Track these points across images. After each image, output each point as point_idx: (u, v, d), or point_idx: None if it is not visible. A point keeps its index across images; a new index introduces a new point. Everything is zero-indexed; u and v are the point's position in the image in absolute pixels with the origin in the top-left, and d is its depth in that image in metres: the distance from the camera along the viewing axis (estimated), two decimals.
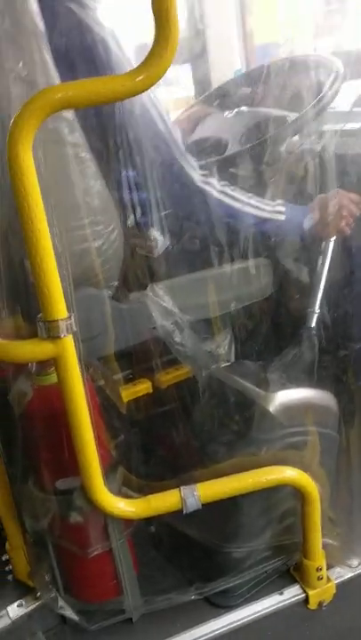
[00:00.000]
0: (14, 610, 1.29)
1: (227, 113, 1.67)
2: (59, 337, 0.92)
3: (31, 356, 0.97)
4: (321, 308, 1.24)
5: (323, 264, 1.31)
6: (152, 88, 0.89)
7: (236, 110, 1.65)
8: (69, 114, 1.01)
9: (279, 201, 1.30)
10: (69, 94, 0.81)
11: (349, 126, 1.52)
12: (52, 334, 0.92)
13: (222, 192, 1.24)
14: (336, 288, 1.23)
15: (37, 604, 1.29)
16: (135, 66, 0.81)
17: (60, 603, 1.25)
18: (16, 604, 1.30)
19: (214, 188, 1.22)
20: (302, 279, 1.33)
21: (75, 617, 1.24)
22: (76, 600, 1.25)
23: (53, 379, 1.04)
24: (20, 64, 0.94)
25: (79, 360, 0.97)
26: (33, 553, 1.29)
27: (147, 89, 0.81)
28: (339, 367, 1.21)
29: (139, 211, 1.21)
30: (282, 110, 1.52)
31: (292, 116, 1.45)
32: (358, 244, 1.23)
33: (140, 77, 0.79)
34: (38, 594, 1.30)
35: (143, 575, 1.26)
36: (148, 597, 1.26)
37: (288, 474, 1.16)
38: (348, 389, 1.21)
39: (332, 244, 1.30)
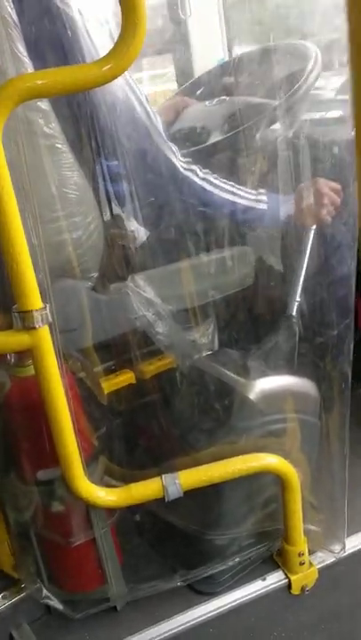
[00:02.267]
0: None
1: (208, 102, 1.67)
2: (34, 327, 0.92)
3: (6, 346, 0.97)
4: (300, 295, 1.25)
5: (303, 252, 1.31)
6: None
7: (217, 99, 1.65)
8: (45, 104, 1.01)
9: (261, 190, 1.30)
10: (38, 83, 0.81)
11: (332, 114, 1.53)
12: (27, 325, 0.92)
13: (204, 179, 1.24)
14: (312, 275, 1.24)
15: (22, 595, 1.30)
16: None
17: (45, 593, 1.25)
18: (0, 595, 1.30)
19: (196, 175, 1.22)
20: (282, 268, 1.34)
21: (60, 606, 1.25)
22: (61, 590, 1.26)
23: (32, 370, 1.03)
24: None
25: (57, 351, 0.97)
26: (17, 545, 1.30)
27: (115, 78, 0.81)
28: (317, 354, 1.22)
29: (118, 201, 1.21)
30: (263, 99, 1.52)
31: (274, 103, 1.45)
32: (333, 231, 1.23)
33: (108, 66, 0.79)
34: (23, 585, 1.30)
35: (127, 563, 1.27)
36: (133, 585, 1.26)
37: (268, 461, 1.17)
38: (327, 376, 1.22)
39: (312, 233, 1.30)
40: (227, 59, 2.12)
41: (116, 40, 0.80)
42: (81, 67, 0.83)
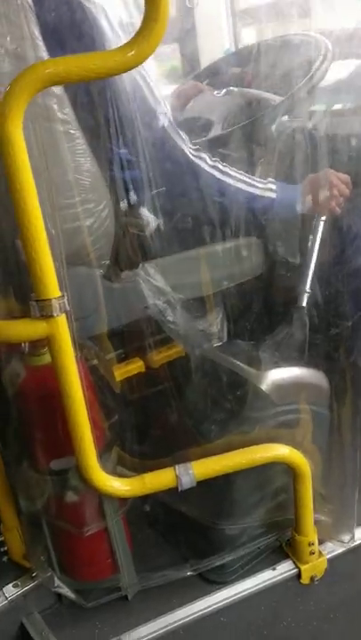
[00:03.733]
0: (10, 590, 1.30)
1: (216, 92, 1.66)
2: (52, 316, 0.92)
3: (24, 335, 0.96)
4: (312, 286, 1.25)
5: (313, 243, 1.31)
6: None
7: (225, 90, 1.64)
8: (59, 90, 1.00)
9: (270, 179, 1.29)
10: (60, 69, 0.80)
11: (339, 106, 1.52)
12: (45, 313, 0.92)
13: (214, 167, 1.23)
14: (327, 267, 1.24)
15: (33, 584, 1.30)
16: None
17: (57, 582, 1.25)
18: (12, 584, 1.30)
19: (206, 162, 1.22)
20: (293, 258, 1.33)
21: (71, 595, 1.25)
22: (72, 579, 1.26)
23: (46, 359, 1.03)
24: (8, 38, 0.93)
25: (72, 339, 0.97)
26: (28, 534, 1.30)
27: (138, 64, 0.80)
28: (330, 345, 1.22)
29: (130, 188, 1.20)
30: (269, 94, 1.52)
31: (278, 99, 1.45)
32: (348, 222, 1.23)
33: (132, 52, 0.78)
34: (34, 574, 1.31)
35: (138, 553, 1.28)
36: (144, 574, 1.27)
37: (280, 451, 1.17)
38: (339, 367, 1.22)
39: (322, 224, 1.30)
40: (233, 49, 2.11)
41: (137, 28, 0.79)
42: (104, 53, 0.82)
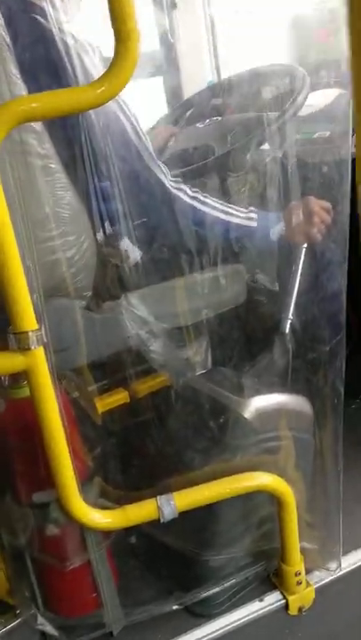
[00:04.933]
0: None
1: (199, 124, 1.69)
2: (29, 349, 0.92)
3: (2, 368, 0.96)
4: (293, 312, 1.26)
5: (295, 270, 1.32)
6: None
7: (208, 120, 1.67)
8: (38, 125, 1.02)
9: (252, 208, 1.31)
10: (33, 106, 0.81)
11: (318, 134, 1.55)
12: (23, 346, 0.91)
13: (194, 198, 1.25)
14: (304, 292, 1.25)
15: (17, 621, 1.28)
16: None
17: (40, 619, 1.23)
18: None
19: (186, 194, 1.23)
20: (274, 286, 1.34)
21: (55, 633, 1.22)
22: (56, 615, 1.24)
23: (26, 391, 1.03)
24: None
25: (51, 372, 0.97)
26: (12, 569, 1.28)
27: (108, 100, 0.82)
28: (310, 370, 1.22)
29: (111, 220, 1.22)
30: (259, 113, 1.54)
31: (270, 115, 1.47)
32: (323, 248, 1.24)
33: (102, 89, 0.80)
34: (18, 611, 1.28)
35: (123, 587, 1.26)
36: (129, 609, 1.25)
37: (264, 479, 1.16)
38: (320, 392, 1.22)
39: (304, 251, 1.32)
40: (216, 81, 2.16)
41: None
42: (75, 89, 0.84)
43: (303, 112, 1.41)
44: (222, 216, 1.27)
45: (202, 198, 1.25)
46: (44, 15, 1.04)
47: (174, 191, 1.22)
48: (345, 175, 1.08)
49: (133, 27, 0.78)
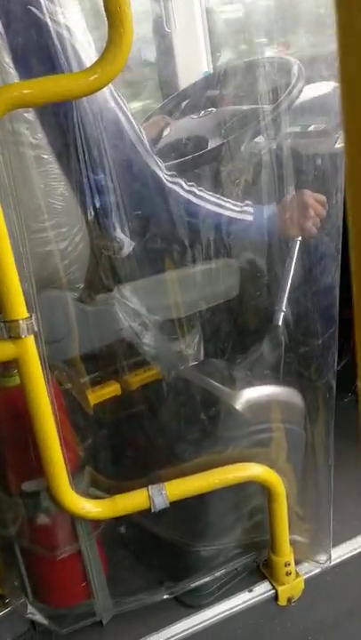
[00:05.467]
0: None
1: (194, 115, 1.68)
2: (19, 337, 0.91)
3: None
4: (286, 305, 1.25)
5: (289, 263, 1.32)
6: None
7: (203, 112, 1.67)
8: (31, 115, 1.01)
9: (247, 201, 1.31)
10: (25, 92, 0.81)
11: (314, 127, 1.55)
12: (13, 334, 0.91)
13: (190, 192, 1.24)
14: (297, 286, 1.25)
15: (6, 610, 1.28)
16: None
17: (29, 608, 1.23)
18: None
19: (182, 187, 1.23)
20: (268, 278, 1.34)
21: (44, 621, 1.23)
22: (46, 605, 1.24)
23: (16, 380, 1.03)
24: None
25: (42, 361, 0.97)
26: (1, 559, 1.28)
27: (102, 87, 0.81)
28: (301, 364, 1.23)
29: (104, 212, 1.21)
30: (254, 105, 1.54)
31: (266, 108, 1.46)
32: (316, 241, 1.24)
33: (95, 76, 0.79)
34: (7, 600, 1.28)
35: (113, 576, 1.26)
36: (118, 599, 1.25)
37: (254, 471, 1.17)
38: (312, 385, 1.22)
39: (298, 244, 1.31)
40: (211, 72, 2.15)
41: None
42: (68, 76, 0.83)
43: (299, 104, 1.40)
44: (218, 210, 1.27)
45: (197, 192, 1.25)
46: (39, 5, 1.03)
47: (170, 185, 1.21)
48: (340, 168, 1.08)
49: (127, 13, 0.78)
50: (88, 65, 1.04)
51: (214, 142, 1.50)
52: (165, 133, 1.69)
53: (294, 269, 1.25)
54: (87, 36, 1.04)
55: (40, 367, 0.96)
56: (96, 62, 0.80)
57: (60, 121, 1.02)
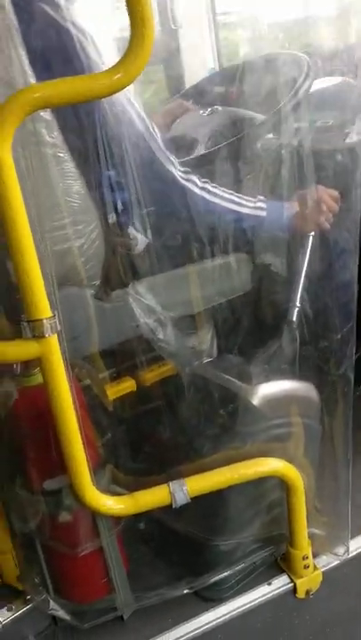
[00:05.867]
0: (4, 614, 1.28)
1: (202, 111, 1.69)
2: (43, 336, 0.92)
3: (16, 356, 0.96)
4: (301, 301, 1.26)
5: (303, 258, 1.32)
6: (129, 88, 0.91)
7: (210, 109, 1.67)
8: (48, 114, 1.01)
9: (260, 197, 1.31)
10: (48, 93, 0.81)
11: (327, 122, 1.55)
12: (37, 334, 0.92)
13: (204, 189, 1.24)
14: (316, 280, 1.25)
15: (27, 607, 1.29)
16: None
17: (51, 604, 1.24)
18: (5, 608, 1.29)
19: (196, 184, 1.23)
20: (282, 274, 1.35)
21: (66, 617, 1.24)
22: (68, 601, 1.25)
23: (38, 379, 1.03)
24: None
25: (64, 359, 0.97)
26: (22, 556, 1.29)
27: (125, 86, 0.82)
28: (320, 358, 1.23)
29: (119, 209, 1.21)
30: (253, 112, 1.55)
31: (261, 118, 1.47)
32: (335, 236, 1.25)
33: (118, 75, 0.80)
34: (28, 597, 1.29)
35: (133, 572, 1.27)
36: (139, 594, 1.26)
37: (273, 465, 1.18)
38: (330, 379, 1.23)
39: (311, 239, 1.32)
40: (217, 69, 2.15)
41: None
42: (90, 76, 0.84)
43: (311, 99, 1.40)
44: (231, 206, 1.27)
45: (211, 188, 1.25)
46: (52, 4, 1.03)
47: (183, 182, 1.21)
48: (358, 163, 1.08)
49: (149, 12, 0.78)
50: (100, 63, 1.06)
51: (223, 139, 1.50)
52: (177, 122, 1.68)
53: (312, 264, 1.25)
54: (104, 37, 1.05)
55: (63, 366, 0.97)
56: (119, 61, 0.80)
57: (81, 120, 1.02)
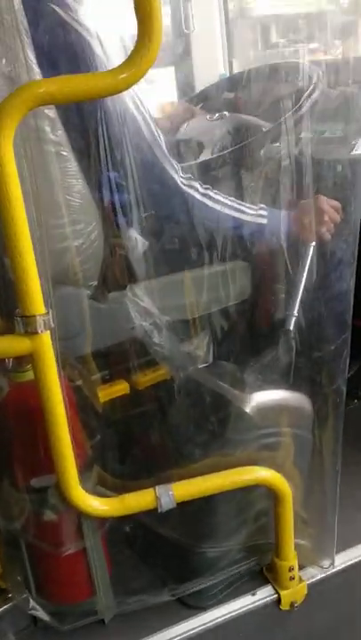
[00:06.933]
0: None
1: (209, 116, 1.69)
2: (36, 332, 0.91)
3: (8, 351, 0.96)
4: (298, 310, 1.26)
5: (302, 268, 1.32)
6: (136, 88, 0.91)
7: (218, 114, 1.67)
8: (51, 112, 1.01)
9: (262, 205, 1.31)
10: (52, 89, 0.81)
11: (328, 133, 1.55)
12: (30, 330, 0.91)
13: (205, 195, 1.24)
14: (312, 291, 1.25)
15: (8, 605, 1.28)
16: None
17: (32, 604, 1.23)
18: None
19: (197, 190, 1.23)
20: (281, 282, 1.34)
21: (46, 617, 1.23)
22: (48, 601, 1.24)
23: (30, 375, 1.03)
24: (4, 60, 0.94)
25: (56, 357, 0.97)
26: (5, 554, 1.28)
27: (129, 87, 0.81)
28: (314, 368, 1.23)
29: (119, 210, 1.21)
30: (260, 120, 1.55)
31: (268, 126, 1.47)
32: (333, 247, 1.24)
33: (124, 75, 0.79)
34: (9, 595, 1.28)
35: (116, 575, 1.26)
36: (121, 598, 1.25)
37: (262, 474, 1.17)
38: (322, 391, 1.23)
39: (312, 249, 1.31)
40: (228, 74, 2.15)
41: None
42: (96, 74, 0.84)
43: (317, 110, 1.40)
44: (233, 213, 1.27)
45: (212, 195, 1.25)
46: (61, 3, 1.03)
47: (185, 188, 1.21)
48: (358, 174, 1.08)
49: (157, 12, 0.78)
50: (108, 65, 1.06)
51: (226, 146, 1.50)
52: (184, 126, 1.68)
53: (310, 274, 1.25)
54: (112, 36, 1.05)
55: (55, 363, 0.96)
56: (125, 61, 0.80)
57: (85, 118, 1.02)
